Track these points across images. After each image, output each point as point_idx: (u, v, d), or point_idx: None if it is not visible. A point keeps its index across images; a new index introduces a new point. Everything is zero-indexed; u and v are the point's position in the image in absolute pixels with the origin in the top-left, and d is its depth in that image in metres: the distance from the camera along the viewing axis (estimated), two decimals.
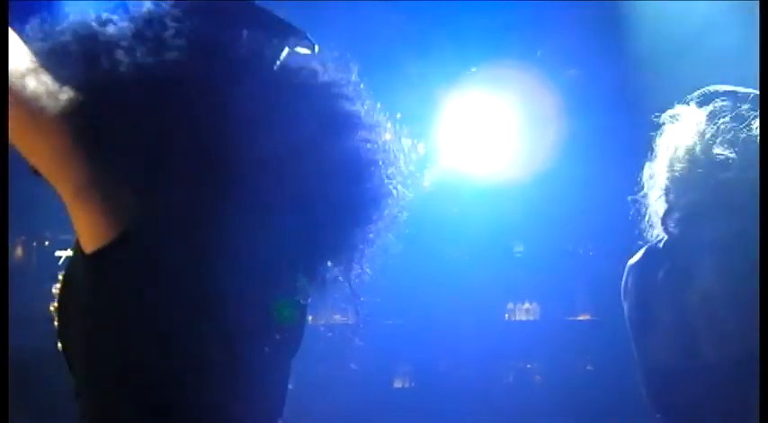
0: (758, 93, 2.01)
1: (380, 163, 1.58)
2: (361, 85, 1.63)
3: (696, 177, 1.98)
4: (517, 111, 5.70)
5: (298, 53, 1.52)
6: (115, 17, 1.41)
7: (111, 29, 1.38)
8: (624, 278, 2.15)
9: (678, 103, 2.11)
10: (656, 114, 2.15)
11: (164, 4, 1.43)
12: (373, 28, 4.91)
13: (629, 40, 5.26)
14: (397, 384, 6.40)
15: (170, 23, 1.38)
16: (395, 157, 1.63)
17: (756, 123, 1.95)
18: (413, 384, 6.44)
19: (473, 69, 5.58)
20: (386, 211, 1.63)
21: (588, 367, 6.47)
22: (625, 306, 2.10)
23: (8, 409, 1.57)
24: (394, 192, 1.62)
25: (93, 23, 1.39)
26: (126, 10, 1.43)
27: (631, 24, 5.19)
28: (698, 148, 1.99)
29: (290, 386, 1.64)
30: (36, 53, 1.36)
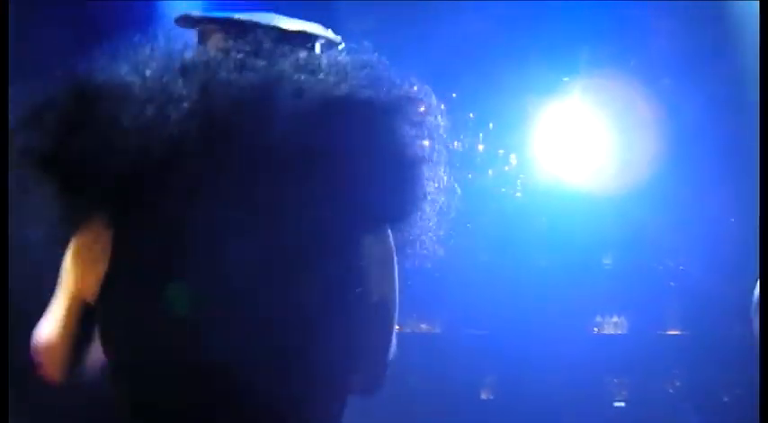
0: None
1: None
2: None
3: None
4: (610, 121, 5.65)
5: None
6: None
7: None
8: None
9: None
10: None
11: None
12: (469, 37, 4.92)
13: (725, 49, 5.17)
14: (484, 396, 6.38)
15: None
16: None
17: None
18: (498, 396, 6.40)
19: (565, 79, 5.55)
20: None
21: (677, 383, 6.36)
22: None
23: (8, 408, 1.61)
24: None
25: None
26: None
27: (727, 32, 5.11)
28: None
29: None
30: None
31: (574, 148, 5.69)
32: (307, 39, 1.68)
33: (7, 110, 1.57)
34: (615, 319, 6.58)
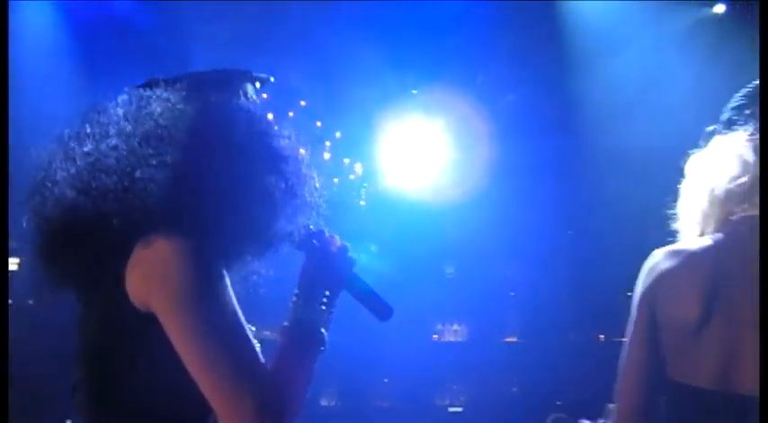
0: None
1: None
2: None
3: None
4: (455, 134, 5.77)
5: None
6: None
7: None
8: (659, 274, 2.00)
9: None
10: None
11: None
12: (318, 47, 4.93)
13: (566, 70, 5.35)
14: (324, 402, 6.38)
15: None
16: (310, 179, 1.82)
17: None
18: (339, 403, 6.42)
19: (414, 91, 5.63)
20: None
21: (514, 388, 6.52)
22: (662, 307, 1.99)
23: (8, 408, 1.56)
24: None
25: None
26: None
27: (568, 53, 5.29)
28: None
29: None
30: None
31: (418, 159, 5.78)
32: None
33: (7, 110, 1.52)
34: (455, 326, 6.71)
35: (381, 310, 1.89)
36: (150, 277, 1.61)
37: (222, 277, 1.64)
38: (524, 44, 5.35)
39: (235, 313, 1.63)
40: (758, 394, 1.78)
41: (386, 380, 6.36)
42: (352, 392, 6.30)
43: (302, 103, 4.79)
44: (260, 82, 1.91)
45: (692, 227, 2.02)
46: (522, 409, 6.09)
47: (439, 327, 6.72)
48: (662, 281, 1.95)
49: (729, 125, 2.01)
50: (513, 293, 6.64)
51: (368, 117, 5.49)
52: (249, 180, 1.71)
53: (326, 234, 1.84)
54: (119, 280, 1.63)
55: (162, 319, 1.59)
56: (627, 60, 5.07)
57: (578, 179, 5.62)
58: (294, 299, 1.78)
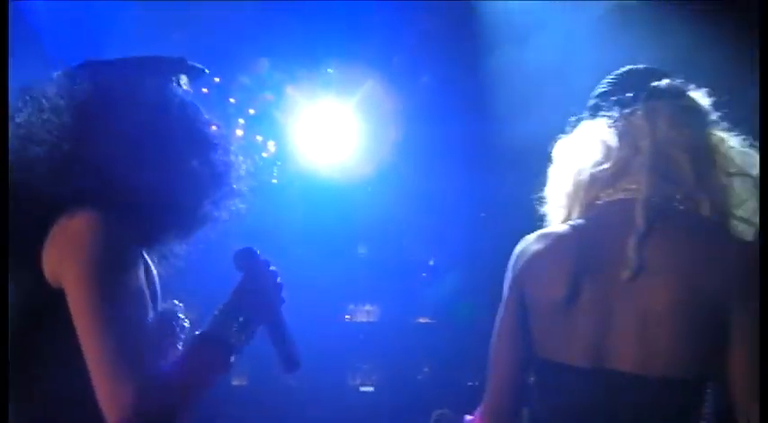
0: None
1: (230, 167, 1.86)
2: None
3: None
4: (369, 114, 5.76)
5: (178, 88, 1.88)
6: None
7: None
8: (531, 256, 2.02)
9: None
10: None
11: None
12: (232, 24, 4.88)
13: (480, 53, 5.38)
14: (235, 382, 6.35)
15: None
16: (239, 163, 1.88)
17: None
18: (249, 382, 6.40)
19: (329, 70, 5.61)
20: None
21: (425, 369, 6.58)
22: (532, 288, 1.98)
23: (8, 408, 1.62)
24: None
25: None
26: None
27: (483, 36, 5.32)
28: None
29: None
30: None
31: (331, 138, 5.76)
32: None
33: (7, 110, 1.66)
34: (367, 307, 6.73)
35: (290, 360, 1.88)
36: (63, 250, 1.62)
37: (135, 258, 1.66)
38: (440, 25, 5.37)
39: (136, 296, 1.63)
40: (633, 369, 1.83)
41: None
42: (262, 372, 6.28)
43: (216, 79, 4.74)
44: (194, 72, 1.93)
45: (559, 211, 2.06)
46: (434, 390, 6.15)
47: (351, 307, 6.73)
48: (530, 264, 1.99)
49: (595, 111, 2.05)
50: (425, 274, 6.68)
51: (282, 95, 5.45)
52: (176, 164, 1.74)
53: (270, 267, 1.89)
54: (37, 257, 1.64)
55: (67, 291, 1.58)
56: (539, 45, 5.12)
57: (491, 162, 5.67)
58: (216, 312, 1.78)
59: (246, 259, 1.86)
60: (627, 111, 2.00)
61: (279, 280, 1.90)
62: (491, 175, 5.71)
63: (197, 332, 1.75)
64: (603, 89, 2.09)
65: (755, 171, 1.97)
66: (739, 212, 1.96)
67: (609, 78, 2.11)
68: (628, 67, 2.12)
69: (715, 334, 1.83)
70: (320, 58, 5.50)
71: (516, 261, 2.03)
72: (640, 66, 2.12)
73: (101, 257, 1.60)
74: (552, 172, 2.10)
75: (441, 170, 5.79)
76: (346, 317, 6.72)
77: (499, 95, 5.40)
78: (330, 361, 6.32)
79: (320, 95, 5.65)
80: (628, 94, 2.02)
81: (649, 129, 1.97)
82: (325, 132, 5.72)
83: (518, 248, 2.04)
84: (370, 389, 6.59)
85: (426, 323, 6.69)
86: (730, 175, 1.97)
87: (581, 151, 2.03)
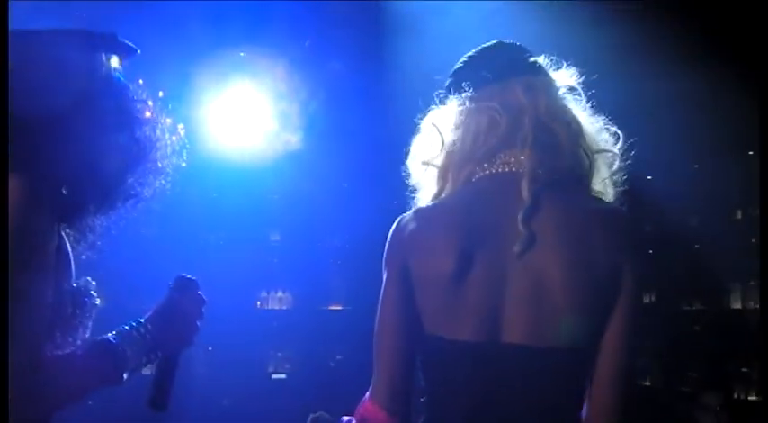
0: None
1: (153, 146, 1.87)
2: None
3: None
4: (282, 98, 5.70)
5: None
6: None
7: None
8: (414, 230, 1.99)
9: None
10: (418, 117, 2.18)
11: None
12: (149, 9, 4.79)
13: (388, 39, 5.39)
14: (146, 371, 6.25)
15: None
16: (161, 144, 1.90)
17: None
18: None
19: (241, 54, 5.53)
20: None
21: (338, 356, 6.58)
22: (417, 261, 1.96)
23: (8, 408, 1.55)
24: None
25: None
26: None
27: (393, 22, 5.32)
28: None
29: None
30: None
31: (244, 123, 5.69)
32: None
33: (7, 110, 1.63)
34: (280, 294, 6.70)
35: (160, 402, 1.87)
36: None
37: (45, 230, 1.62)
38: (349, 11, 5.35)
39: (37, 268, 1.59)
40: (526, 341, 1.84)
41: (210, 348, 6.29)
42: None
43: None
44: (124, 49, 1.93)
45: (433, 186, 2.07)
46: (347, 376, 6.15)
47: (263, 294, 6.69)
48: (414, 240, 1.97)
49: (467, 83, 2.05)
50: (338, 262, 6.67)
51: (192, 77, 5.36)
52: (99, 138, 1.75)
53: (202, 307, 1.91)
54: None
55: None
56: (436, 36, 5.14)
57: (398, 148, 5.67)
58: (130, 325, 1.79)
59: (186, 289, 1.87)
60: (501, 85, 2.02)
61: (199, 323, 1.91)
62: (400, 161, 5.71)
63: (102, 336, 1.74)
64: (459, 66, 2.11)
65: (616, 148, 2.05)
66: (598, 186, 2.03)
67: (481, 50, 2.11)
68: (498, 42, 2.13)
69: (604, 302, 1.86)
70: (231, 40, 5.41)
71: (395, 240, 2.02)
72: (512, 41, 2.13)
73: (12, 220, 1.57)
74: (422, 145, 2.11)
75: (352, 155, 5.77)
76: (257, 303, 6.67)
77: (408, 82, 5.41)
78: (243, 348, 6.28)
79: (231, 79, 5.57)
80: (503, 69, 2.04)
81: (530, 104, 1.98)
82: (236, 116, 5.65)
83: (395, 227, 2.03)
84: (283, 376, 6.57)
85: (339, 310, 6.68)
86: (598, 151, 2.03)
87: (456, 124, 2.03)
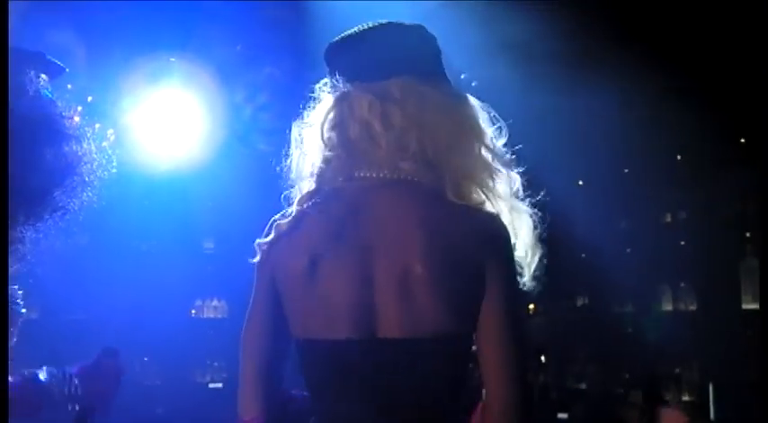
0: None
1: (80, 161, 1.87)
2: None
3: None
4: (214, 104, 5.64)
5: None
6: None
7: None
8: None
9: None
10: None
11: None
12: (79, 14, 4.72)
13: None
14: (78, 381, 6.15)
15: None
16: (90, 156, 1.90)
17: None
18: None
19: (172, 59, 5.47)
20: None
21: None
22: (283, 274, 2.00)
23: (8, 408, 1.58)
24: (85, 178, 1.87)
25: None
26: None
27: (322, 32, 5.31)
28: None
29: None
30: None
31: (176, 130, 5.62)
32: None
33: (7, 109, 1.66)
34: (215, 302, 6.64)
35: None
36: None
37: None
38: (283, 17, 5.33)
39: None
40: (402, 334, 1.86)
41: (145, 359, 6.21)
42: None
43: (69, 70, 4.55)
44: (53, 68, 1.95)
45: (305, 190, 2.08)
46: (284, 384, 6.12)
47: (198, 303, 6.62)
48: (278, 246, 2.01)
49: (338, 80, 2.06)
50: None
51: (123, 83, 5.28)
52: (26, 153, 1.76)
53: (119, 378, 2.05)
54: None
55: None
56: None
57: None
58: (55, 372, 1.84)
59: (112, 357, 1.93)
60: (381, 83, 1.99)
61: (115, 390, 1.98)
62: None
63: (36, 372, 1.78)
64: (353, 48, 2.08)
65: (496, 146, 2.03)
66: (476, 184, 2.00)
67: (364, 34, 2.08)
68: (387, 25, 2.10)
69: (471, 295, 1.89)
70: (162, 46, 5.35)
71: (264, 243, 2.06)
72: (404, 25, 2.09)
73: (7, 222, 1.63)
74: (296, 152, 2.15)
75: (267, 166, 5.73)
76: (192, 312, 6.60)
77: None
78: (179, 358, 6.21)
79: (162, 84, 5.50)
80: (381, 64, 2.01)
81: (401, 104, 1.96)
82: (167, 122, 5.57)
83: (266, 230, 2.07)
84: (219, 385, 6.51)
85: None
86: (476, 152, 2.00)
87: (332, 122, 2.02)
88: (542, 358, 6.98)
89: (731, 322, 5.67)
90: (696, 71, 4.89)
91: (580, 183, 6.41)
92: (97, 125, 1.98)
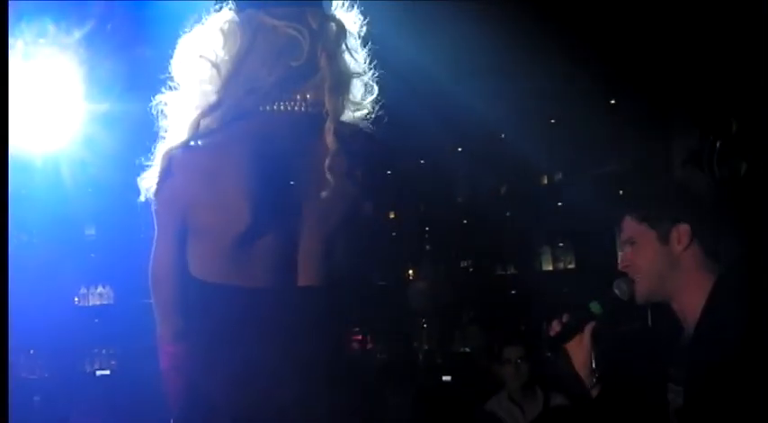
0: None
1: None
2: None
3: None
4: (85, 86, 5.50)
5: None
6: None
7: None
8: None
9: None
10: None
11: None
12: None
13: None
14: None
15: None
16: None
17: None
18: None
19: (41, 40, 5.31)
20: None
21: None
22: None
23: (8, 408, 1.57)
24: None
25: None
26: None
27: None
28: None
29: None
30: None
31: (46, 115, 5.45)
32: None
33: (7, 109, 1.69)
34: (100, 289, 6.53)
35: None
36: None
37: None
38: None
39: None
40: (319, 283, 1.82)
41: (31, 351, 6.09)
42: None
43: None
44: None
45: (204, 120, 1.89)
46: None
47: (83, 290, 6.51)
48: (192, 183, 1.85)
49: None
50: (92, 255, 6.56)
51: None
52: None
53: None
54: None
55: None
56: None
57: None
58: None
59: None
60: (295, 8, 1.88)
61: None
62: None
63: None
64: None
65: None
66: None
67: None
68: None
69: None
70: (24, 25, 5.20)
71: (169, 179, 1.87)
72: None
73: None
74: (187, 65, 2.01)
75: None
76: (76, 300, 6.49)
77: None
78: (65, 348, 6.11)
79: (30, 68, 5.34)
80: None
81: (328, 36, 1.88)
82: (36, 107, 5.41)
83: (168, 164, 1.87)
84: (107, 372, 6.43)
85: None
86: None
87: (238, 44, 1.87)
88: (424, 323, 7.08)
89: (609, 279, 5.85)
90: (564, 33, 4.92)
91: (459, 149, 6.51)
92: None
